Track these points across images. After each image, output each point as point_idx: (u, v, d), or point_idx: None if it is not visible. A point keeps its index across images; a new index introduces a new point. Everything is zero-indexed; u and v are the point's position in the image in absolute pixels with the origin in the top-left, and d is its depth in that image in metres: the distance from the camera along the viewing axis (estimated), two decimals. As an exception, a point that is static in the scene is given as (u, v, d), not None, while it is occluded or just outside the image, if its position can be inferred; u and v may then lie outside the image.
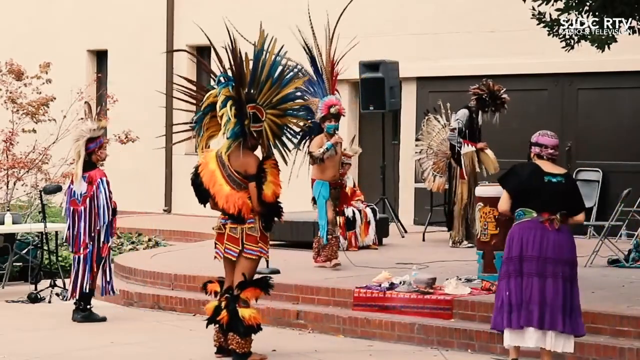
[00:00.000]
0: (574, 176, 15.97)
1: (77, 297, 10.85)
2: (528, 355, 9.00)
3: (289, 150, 9.10)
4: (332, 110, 11.91)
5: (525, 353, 9.00)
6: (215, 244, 9.03)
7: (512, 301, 8.10)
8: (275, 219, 9.00)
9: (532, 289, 8.04)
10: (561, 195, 8.17)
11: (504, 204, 8.29)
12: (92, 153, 10.85)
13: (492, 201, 10.19)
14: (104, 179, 10.78)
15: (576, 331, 8.12)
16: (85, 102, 11.51)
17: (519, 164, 8.57)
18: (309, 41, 12.13)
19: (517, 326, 8.09)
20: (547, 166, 8.34)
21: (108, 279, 10.93)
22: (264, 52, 8.89)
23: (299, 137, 9.26)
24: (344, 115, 12.32)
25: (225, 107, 8.79)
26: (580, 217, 8.27)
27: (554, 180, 8.22)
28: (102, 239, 10.77)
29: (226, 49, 8.89)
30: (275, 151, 9.02)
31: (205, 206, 9.13)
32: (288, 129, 9.13)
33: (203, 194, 8.99)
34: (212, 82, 9.06)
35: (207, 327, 9.20)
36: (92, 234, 10.71)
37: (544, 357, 8.20)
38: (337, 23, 12.16)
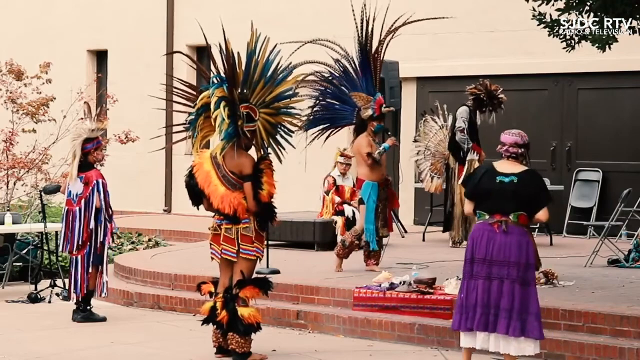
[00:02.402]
0: (573, 176, 16.00)
1: (79, 298, 10.84)
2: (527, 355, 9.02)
3: (284, 149, 9.11)
4: (384, 110, 11.72)
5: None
6: (211, 244, 9.05)
7: (463, 303, 8.15)
8: (269, 221, 9.00)
9: (477, 291, 8.05)
10: (512, 195, 8.06)
11: (467, 207, 8.37)
12: (89, 153, 10.83)
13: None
14: (100, 180, 10.75)
15: (529, 334, 7.99)
16: (85, 102, 11.50)
17: (480, 166, 8.54)
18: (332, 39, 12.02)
19: (465, 328, 8.12)
20: (503, 166, 8.25)
21: (103, 280, 10.91)
22: (257, 52, 8.91)
23: (293, 135, 9.20)
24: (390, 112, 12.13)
25: (218, 108, 8.80)
26: (541, 215, 8.12)
27: (505, 180, 8.12)
28: (99, 239, 10.77)
29: (220, 50, 8.90)
30: (270, 150, 9.04)
31: (198, 208, 9.14)
32: (282, 128, 9.14)
33: (197, 195, 9.00)
34: (208, 84, 9.08)
35: (202, 325, 9.22)
36: (85, 235, 10.70)
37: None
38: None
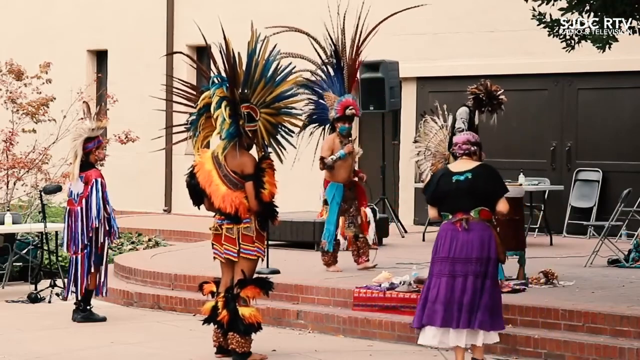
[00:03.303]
0: (573, 176, 16.00)
1: (79, 297, 10.85)
2: (527, 355, 9.02)
3: (284, 149, 9.11)
4: (348, 112, 11.78)
5: (525, 353, 9.03)
6: (213, 244, 9.05)
7: (423, 301, 8.27)
8: (270, 220, 9.00)
9: (438, 288, 8.18)
10: (468, 192, 8.23)
11: (430, 212, 8.55)
12: (90, 153, 10.85)
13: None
14: (99, 179, 10.76)
15: (485, 327, 8.12)
16: (84, 102, 11.51)
17: (436, 171, 8.82)
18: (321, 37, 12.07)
19: (418, 325, 8.24)
20: (457, 166, 8.43)
21: (103, 280, 10.91)
22: (257, 52, 8.91)
23: (293, 135, 9.24)
24: (358, 116, 12.19)
25: (220, 108, 8.81)
26: (500, 206, 8.27)
27: (461, 178, 8.29)
28: (100, 239, 10.76)
29: (220, 50, 8.91)
30: (270, 150, 9.05)
31: (199, 208, 9.15)
32: (283, 128, 9.14)
33: (198, 195, 9.00)
34: (208, 84, 9.08)
35: (203, 325, 9.22)
36: (89, 235, 10.70)
37: (457, 355, 8.28)
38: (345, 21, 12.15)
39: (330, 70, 12.09)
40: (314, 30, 12.27)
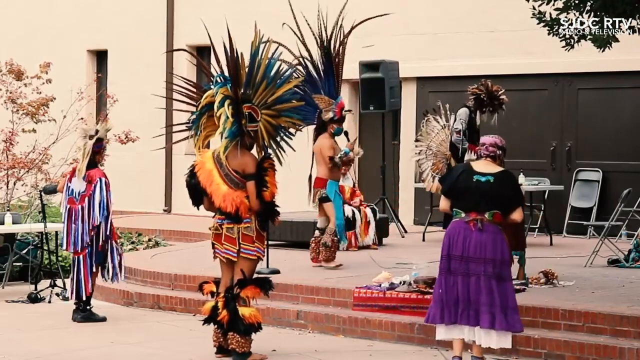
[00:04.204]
0: (573, 176, 16.00)
1: (84, 299, 10.84)
2: (527, 355, 9.02)
3: (284, 151, 9.12)
4: (344, 113, 12.01)
5: (525, 353, 9.03)
6: (213, 244, 9.05)
7: (442, 298, 8.35)
8: (271, 220, 9.01)
9: (457, 287, 8.28)
10: (488, 195, 8.28)
11: (442, 203, 8.60)
12: (97, 153, 10.89)
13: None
14: (103, 179, 10.77)
15: (511, 328, 8.26)
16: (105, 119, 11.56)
17: (457, 165, 8.82)
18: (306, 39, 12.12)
19: (449, 321, 8.33)
20: (480, 166, 8.49)
21: (117, 270, 10.81)
22: (260, 53, 8.91)
23: (293, 137, 9.27)
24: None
25: (223, 107, 8.82)
26: (515, 215, 8.37)
27: (482, 179, 8.35)
28: (101, 238, 10.75)
29: (224, 49, 8.91)
30: (270, 151, 9.05)
31: (198, 208, 9.15)
32: (283, 130, 9.15)
33: (198, 195, 9.00)
34: (211, 83, 9.09)
35: (203, 325, 9.22)
36: (91, 234, 10.70)
37: (474, 349, 8.38)
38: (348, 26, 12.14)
39: (314, 72, 12.09)
40: (314, 29, 12.27)
